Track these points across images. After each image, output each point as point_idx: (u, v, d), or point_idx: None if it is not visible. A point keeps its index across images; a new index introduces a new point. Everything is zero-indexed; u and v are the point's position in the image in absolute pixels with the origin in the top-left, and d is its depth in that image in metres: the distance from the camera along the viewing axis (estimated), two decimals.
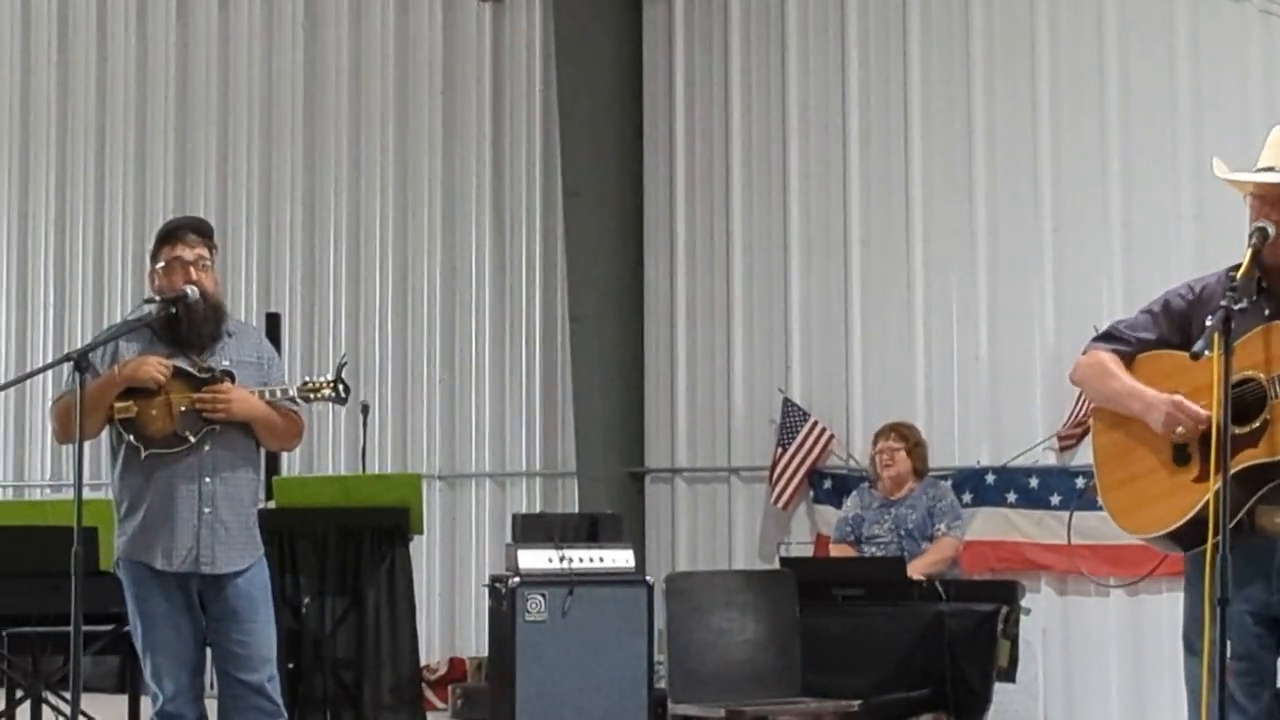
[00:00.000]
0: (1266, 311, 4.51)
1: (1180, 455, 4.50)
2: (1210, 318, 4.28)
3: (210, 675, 5.86)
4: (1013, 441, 9.78)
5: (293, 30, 12.53)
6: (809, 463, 10.44)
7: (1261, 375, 4.40)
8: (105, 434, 5.83)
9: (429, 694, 10.39)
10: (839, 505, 9.72)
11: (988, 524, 9.71)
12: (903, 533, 8.63)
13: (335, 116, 12.35)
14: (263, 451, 6.06)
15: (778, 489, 10.53)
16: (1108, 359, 4.71)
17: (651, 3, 11.55)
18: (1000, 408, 9.92)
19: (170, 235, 5.95)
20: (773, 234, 10.91)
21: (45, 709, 7.80)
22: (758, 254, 10.99)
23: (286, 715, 5.90)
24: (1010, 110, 9.97)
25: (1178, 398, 4.45)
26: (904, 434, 8.90)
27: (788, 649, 7.80)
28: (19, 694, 7.90)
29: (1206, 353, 4.26)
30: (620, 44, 11.48)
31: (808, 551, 10.25)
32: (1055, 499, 9.53)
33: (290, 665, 8.21)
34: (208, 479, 5.76)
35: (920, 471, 8.81)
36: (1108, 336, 4.79)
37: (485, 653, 8.85)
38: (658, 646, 8.10)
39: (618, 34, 11.46)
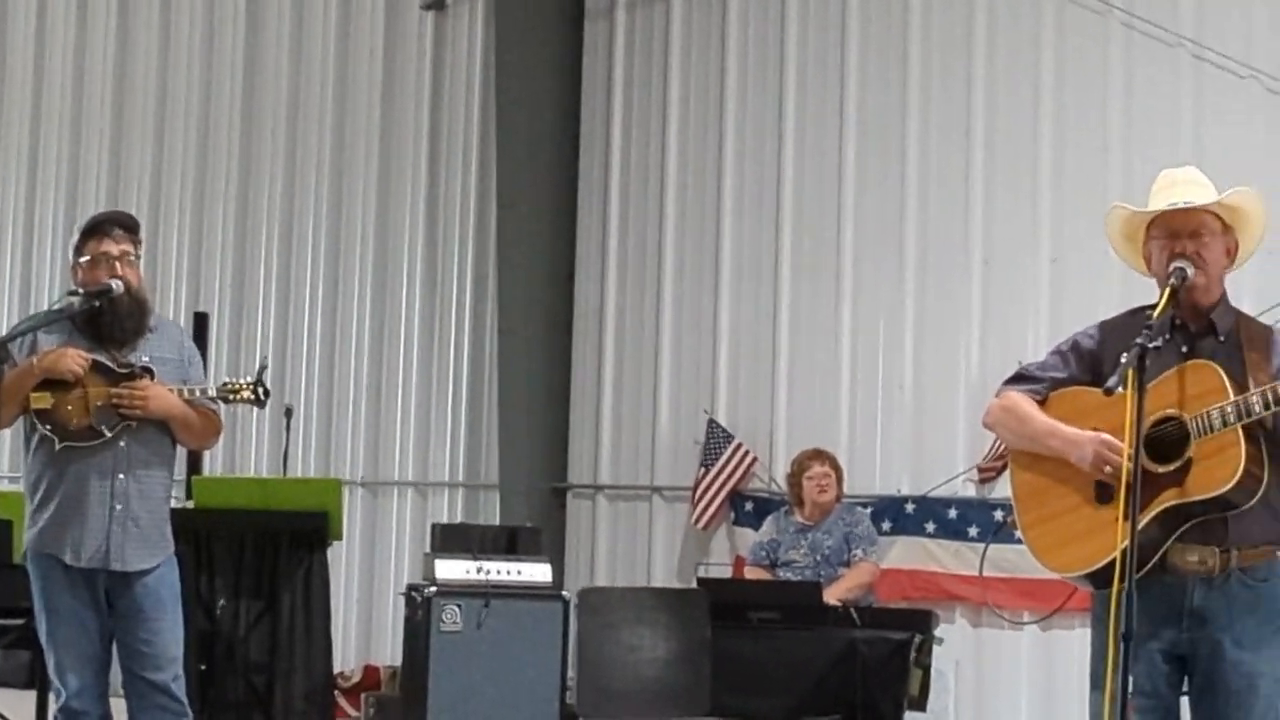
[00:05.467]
0: (1184, 349, 4.54)
1: (1103, 494, 4.50)
2: (1124, 355, 4.27)
3: (117, 673, 5.83)
4: (933, 472, 9.83)
5: (233, 31, 12.48)
6: (731, 484, 10.46)
7: (1183, 414, 4.41)
8: (20, 424, 5.80)
9: (342, 701, 10.34)
10: (759, 528, 9.76)
11: (906, 553, 9.74)
12: (819, 558, 8.69)
13: (273, 118, 12.31)
14: (180, 450, 6.04)
15: (699, 509, 10.55)
16: (1021, 400, 4.71)
17: (593, 20, 11.57)
18: (922, 438, 9.96)
19: (96, 229, 5.92)
20: (704, 255, 10.94)
21: None
22: (689, 275, 11.02)
23: (192, 715, 5.87)
24: (943, 144, 10.03)
25: (1105, 435, 4.43)
26: (834, 461, 8.98)
27: (698, 668, 7.81)
28: None
29: (1120, 389, 4.26)
30: (561, 59, 11.49)
31: (726, 573, 10.27)
32: (973, 530, 9.57)
33: (202, 667, 8.14)
34: (121, 475, 5.73)
35: (838, 498, 8.90)
36: (1019, 378, 4.79)
37: (400, 662, 8.82)
38: (573, 661, 8.09)
39: (558, 49, 11.47)
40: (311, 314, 12.08)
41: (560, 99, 11.48)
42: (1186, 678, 4.55)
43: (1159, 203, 4.61)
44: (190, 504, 8.59)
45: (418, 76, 11.96)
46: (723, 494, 10.47)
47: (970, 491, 9.69)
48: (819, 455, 9.01)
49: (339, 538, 8.82)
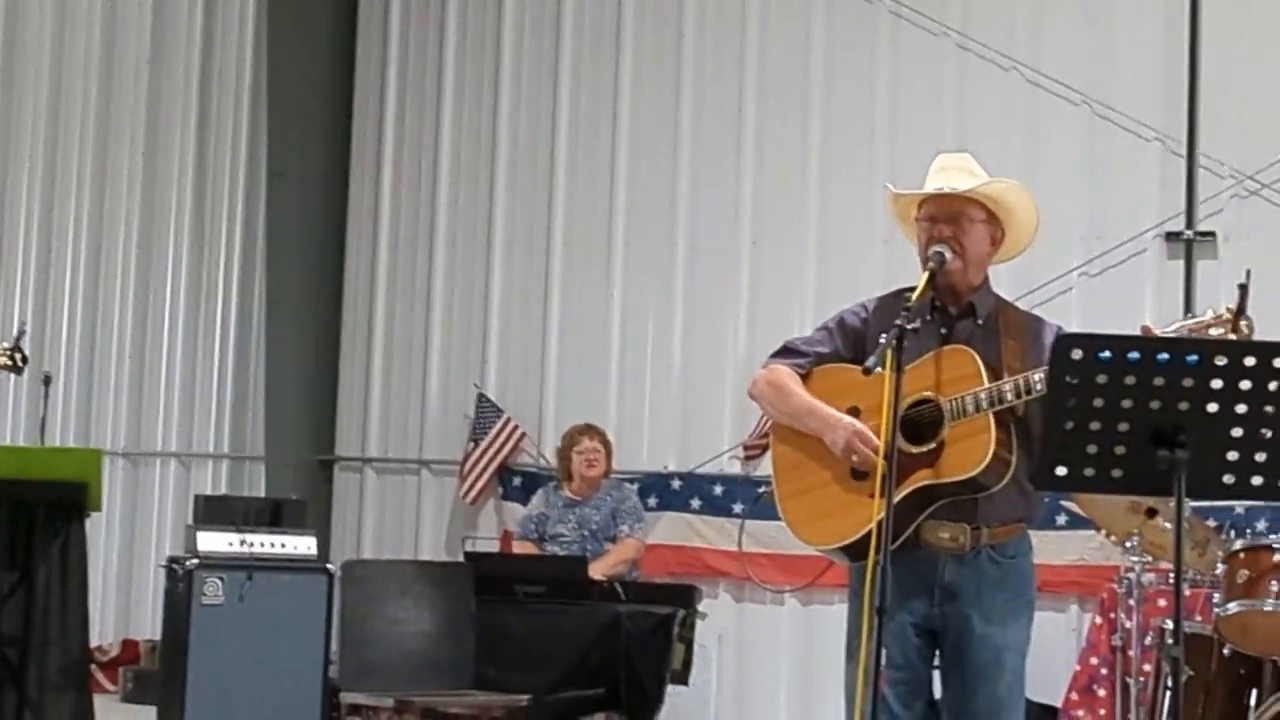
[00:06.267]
0: (942, 331, 4.65)
1: (857, 470, 4.59)
2: (884, 336, 4.34)
3: None
4: (700, 449, 9.97)
5: None
6: (500, 459, 10.49)
7: (940, 397, 4.51)
8: None
9: (99, 675, 10.14)
10: (527, 503, 9.80)
11: (671, 529, 9.87)
12: (586, 532, 8.76)
13: (35, 77, 11.93)
14: None
15: (467, 484, 10.56)
16: (785, 374, 4.78)
17: None
18: (690, 415, 10.09)
19: None
20: (477, 229, 10.94)
21: None
22: (461, 248, 11.01)
23: None
24: (716, 126, 10.17)
25: (860, 426, 4.52)
26: (604, 436, 9.06)
27: (462, 641, 7.83)
28: None
29: (879, 369, 4.34)
30: (334, 26, 11.39)
31: (494, 547, 10.30)
32: (738, 507, 9.71)
33: None
34: None
35: (607, 473, 8.98)
36: (784, 351, 4.86)
37: (160, 635, 8.68)
38: (336, 635, 8.05)
39: (332, 16, 11.38)
40: (73, 278, 11.74)
41: (333, 68, 11.38)
42: (938, 651, 4.67)
43: (928, 187, 4.71)
44: None
45: (188, 40, 11.71)
46: (491, 468, 10.50)
47: (736, 469, 9.85)
48: (589, 430, 9.09)
49: (98, 509, 8.60)
